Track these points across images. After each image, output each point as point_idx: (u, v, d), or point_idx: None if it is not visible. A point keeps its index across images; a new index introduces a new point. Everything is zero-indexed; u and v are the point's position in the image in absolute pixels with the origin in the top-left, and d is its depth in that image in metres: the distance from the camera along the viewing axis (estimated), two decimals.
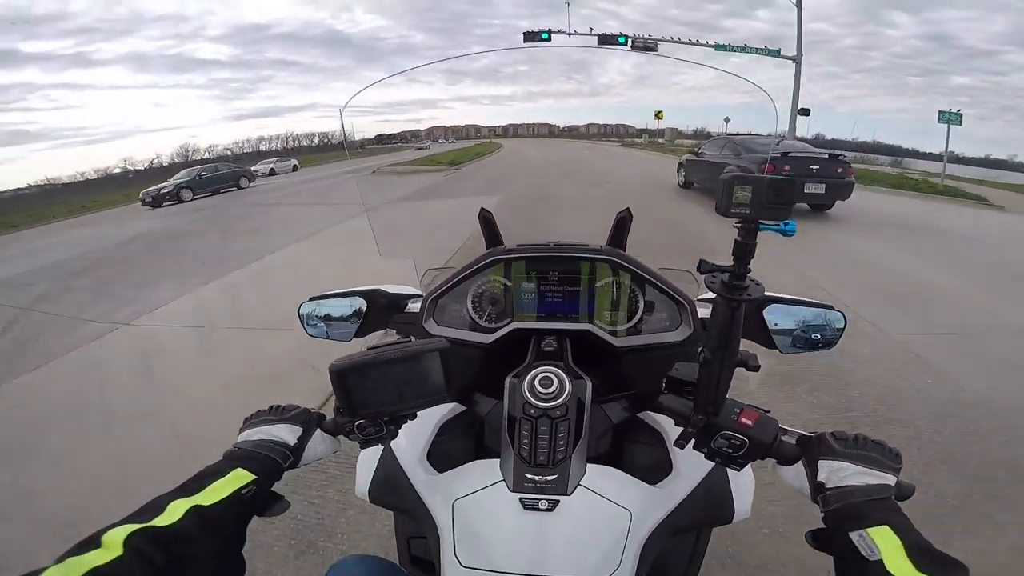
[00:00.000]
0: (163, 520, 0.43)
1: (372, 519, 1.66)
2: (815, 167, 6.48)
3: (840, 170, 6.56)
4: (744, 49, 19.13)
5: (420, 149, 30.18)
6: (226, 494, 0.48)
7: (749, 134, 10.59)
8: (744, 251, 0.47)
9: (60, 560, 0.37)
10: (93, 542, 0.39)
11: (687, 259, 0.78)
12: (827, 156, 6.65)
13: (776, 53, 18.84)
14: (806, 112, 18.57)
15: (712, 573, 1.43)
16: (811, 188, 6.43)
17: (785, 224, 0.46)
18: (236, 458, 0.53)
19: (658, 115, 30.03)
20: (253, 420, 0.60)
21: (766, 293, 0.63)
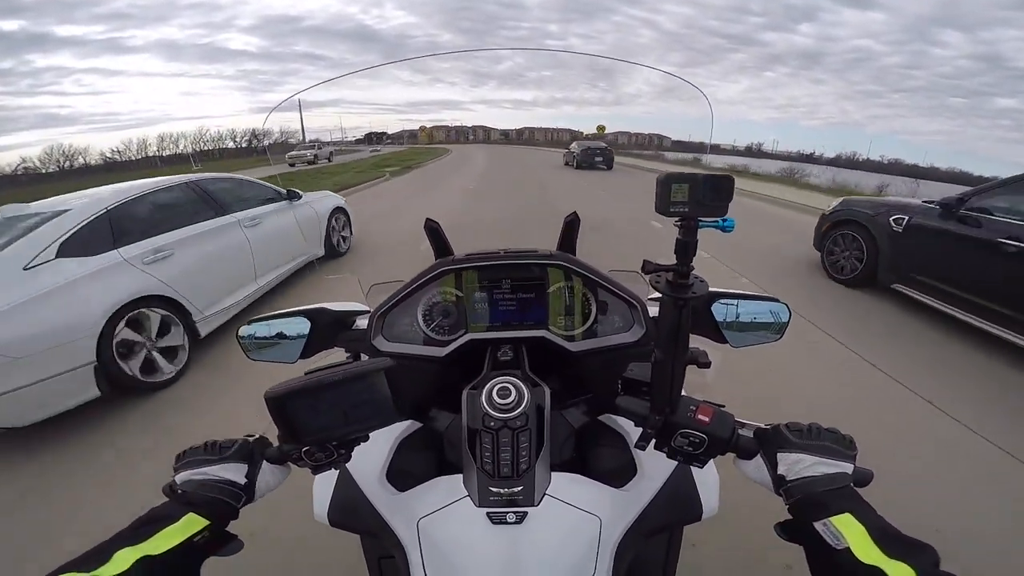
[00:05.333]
0: (109, 570, 0.41)
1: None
2: (599, 149, 17.02)
3: (609, 152, 17.23)
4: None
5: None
6: (177, 542, 0.46)
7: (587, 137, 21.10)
8: (686, 249, 0.48)
9: None
10: None
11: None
12: (604, 146, 17.20)
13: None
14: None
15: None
16: (597, 159, 16.93)
17: (724, 220, 0.46)
18: (187, 502, 0.51)
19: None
20: (190, 459, 0.56)
21: (713, 289, 0.66)
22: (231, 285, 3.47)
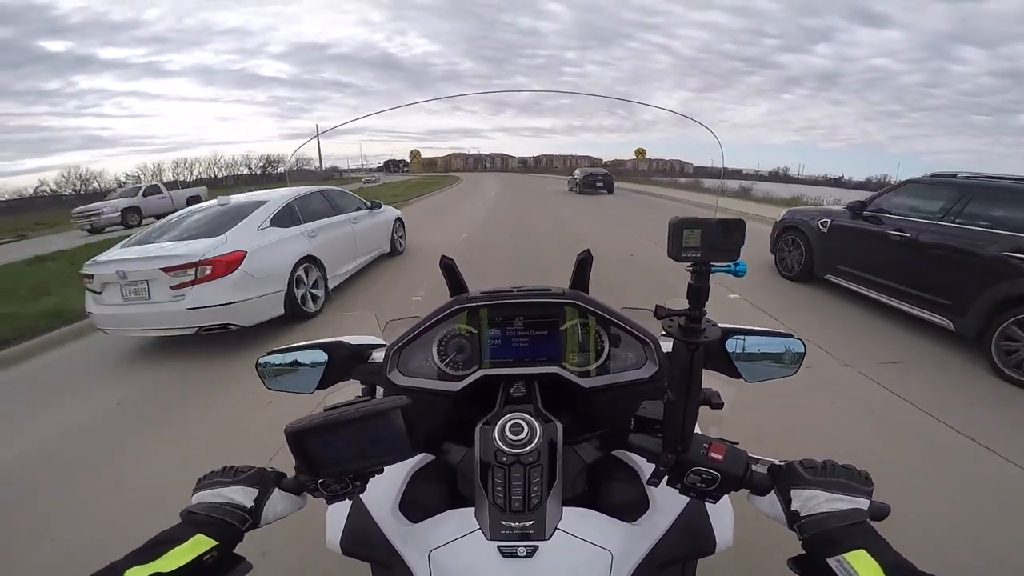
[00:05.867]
0: None
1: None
2: (600, 175, 19.05)
3: (609, 177, 19.20)
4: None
5: None
6: (187, 561, 0.48)
7: (591, 165, 23.53)
8: (698, 294, 0.48)
9: None
10: None
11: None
12: (605, 172, 19.17)
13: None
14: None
15: None
16: (598, 183, 18.82)
17: (736, 265, 0.46)
18: (195, 523, 0.53)
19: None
20: (206, 482, 0.59)
21: (724, 326, 0.67)
22: (345, 259, 5.21)
